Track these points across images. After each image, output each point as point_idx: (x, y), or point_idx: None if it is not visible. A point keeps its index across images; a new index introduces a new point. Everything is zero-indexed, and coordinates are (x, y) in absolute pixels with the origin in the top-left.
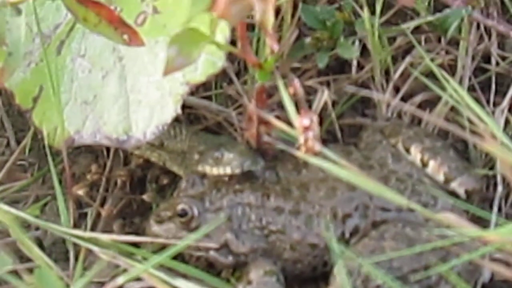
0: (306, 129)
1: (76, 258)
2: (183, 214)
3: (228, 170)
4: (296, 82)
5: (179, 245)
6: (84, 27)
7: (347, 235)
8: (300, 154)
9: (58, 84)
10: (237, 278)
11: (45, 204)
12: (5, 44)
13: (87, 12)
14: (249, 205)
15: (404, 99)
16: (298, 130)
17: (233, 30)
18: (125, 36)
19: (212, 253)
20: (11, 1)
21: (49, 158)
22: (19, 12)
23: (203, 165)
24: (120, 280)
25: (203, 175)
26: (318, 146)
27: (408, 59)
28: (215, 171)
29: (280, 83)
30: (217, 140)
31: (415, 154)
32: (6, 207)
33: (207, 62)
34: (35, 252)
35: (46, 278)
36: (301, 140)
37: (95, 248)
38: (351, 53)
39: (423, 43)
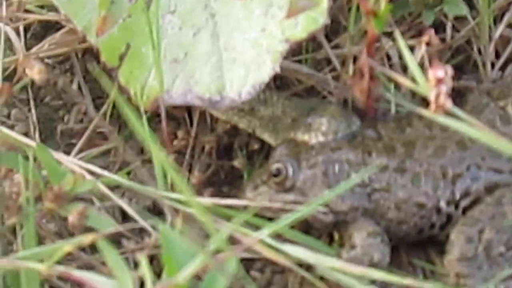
0: (439, 82)
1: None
2: (277, 173)
3: (321, 137)
4: (430, 30)
5: (297, 213)
6: None
7: (457, 196)
8: (429, 112)
9: (152, 41)
10: (339, 244)
11: (128, 173)
12: None
13: None
14: (348, 162)
15: (504, 65)
16: (429, 83)
17: None
18: None
19: (305, 208)
20: None
21: (144, 118)
22: None
23: (296, 132)
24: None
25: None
26: (449, 103)
27: (507, 16)
28: (307, 138)
29: (398, 33)
30: (309, 104)
31: None
32: (99, 170)
33: (308, 18)
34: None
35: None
36: (432, 95)
37: (195, 212)
38: (460, 9)
39: None
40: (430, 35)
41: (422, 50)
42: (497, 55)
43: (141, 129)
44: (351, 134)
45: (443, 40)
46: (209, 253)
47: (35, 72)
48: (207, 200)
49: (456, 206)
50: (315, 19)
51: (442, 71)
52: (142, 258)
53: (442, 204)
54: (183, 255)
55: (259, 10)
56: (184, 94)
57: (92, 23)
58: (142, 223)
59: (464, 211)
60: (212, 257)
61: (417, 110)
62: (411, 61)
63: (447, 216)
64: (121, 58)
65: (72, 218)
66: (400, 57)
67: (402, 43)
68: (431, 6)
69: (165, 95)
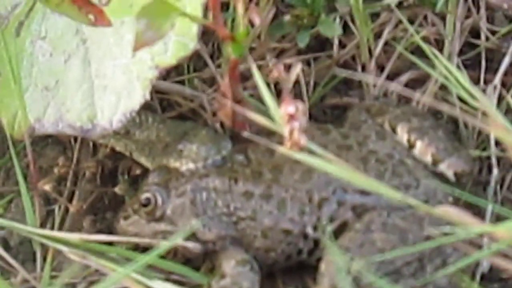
0: (291, 118)
1: (44, 259)
2: (146, 203)
3: (191, 165)
4: (279, 65)
5: (164, 245)
6: (45, 6)
7: (323, 221)
8: (283, 149)
9: (17, 69)
10: (210, 271)
11: (10, 201)
12: None
13: None
14: (215, 190)
15: (389, 78)
16: (281, 120)
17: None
18: (90, 16)
19: (179, 240)
20: None
21: (12, 151)
22: None
23: (168, 158)
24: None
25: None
26: (304, 140)
27: (388, 30)
28: (178, 164)
29: (253, 66)
30: (183, 128)
31: (402, 134)
32: None
33: (178, 44)
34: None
35: None
36: (286, 131)
37: (64, 248)
38: (334, 31)
39: (405, 21)
40: (278, 70)
41: (297, 69)
42: (383, 70)
43: (14, 160)
44: (221, 159)
45: (329, 56)
46: None
47: None
48: (76, 236)
49: (323, 231)
50: (185, 44)
51: (293, 107)
52: None
53: (309, 230)
54: None
55: (129, 36)
56: (55, 123)
57: None
58: (11, 261)
59: (331, 236)
60: None
61: (273, 146)
62: (267, 97)
63: (314, 241)
64: None
65: None
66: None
67: (257, 76)
68: (306, 27)
69: (36, 124)
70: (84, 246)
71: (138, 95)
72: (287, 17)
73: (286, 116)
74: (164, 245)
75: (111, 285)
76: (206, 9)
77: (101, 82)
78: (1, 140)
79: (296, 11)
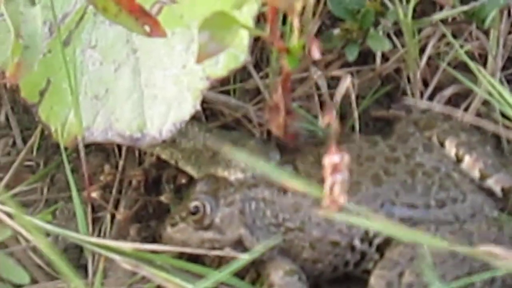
0: (335, 169)
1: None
2: (195, 211)
3: (239, 174)
4: (331, 110)
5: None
6: (104, 17)
7: (371, 234)
8: (320, 211)
9: (70, 77)
10: (259, 283)
11: (55, 208)
12: (21, 37)
13: (106, 1)
14: (264, 200)
15: (433, 92)
16: (325, 171)
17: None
18: (146, 27)
19: (227, 250)
20: None
21: (64, 157)
22: (33, 2)
23: (216, 167)
24: None
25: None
26: (344, 199)
27: (432, 43)
28: (227, 174)
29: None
30: (230, 138)
31: (450, 148)
32: (22, 214)
33: (229, 56)
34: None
35: None
36: (327, 186)
37: (116, 257)
38: (383, 45)
39: (450, 36)
40: (330, 115)
41: (347, 82)
42: (426, 84)
43: (66, 167)
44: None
45: (372, 69)
46: None
47: None
48: (128, 245)
49: (370, 244)
50: (236, 56)
51: (339, 157)
52: None
53: (356, 242)
54: None
55: (180, 46)
56: (105, 131)
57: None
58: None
59: (378, 248)
60: None
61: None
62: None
63: (361, 253)
64: (42, 93)
65: None
66: (329, 86)
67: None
68: (355, 40)
69: (86, 132)
70: (135, 254)
71: (189, 106)
72: (336, 31)
73: (329, 167)
74: (236, 263)
75: None
76: (258, 21)
77: (151, 91)
78: (45, 147)
79: (345, 25)
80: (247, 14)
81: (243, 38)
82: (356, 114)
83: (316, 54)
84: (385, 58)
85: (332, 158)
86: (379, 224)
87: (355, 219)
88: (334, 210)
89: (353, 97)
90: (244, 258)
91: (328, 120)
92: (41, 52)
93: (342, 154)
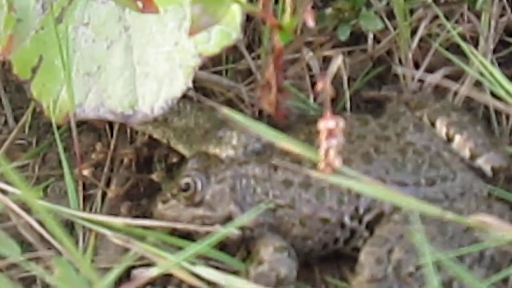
0: (330, 134)
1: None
2: (186, 188)
3: (231, 151)
4: (324, 75)
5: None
6: None
7: (361, 211)
8: (316, 173)
9: (62, 54)
10: (248, 259)
11: (47, 186)
12: (14, 10)
13: None
14: (254, 177)
15: (424, 74)
16: (320, 133)
17: None
18: (139, 3)
19: (217, 227)
20: None
21: (56, 135)
22: None
23: (207, 145)
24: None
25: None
26: (339, 162)
27: (423, 26)
28: (218, 151)
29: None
30: (221, 116)
31: (441, 128)
32: (11, 189)
33: (221, 33)
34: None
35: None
36: (322, 149)
37: (107, 232)
38: (375, 24)
39: (442, 17)
40: (324, 82)
41: (338, 61)
42: (417, 66)
43: (59, 144)
44: (261, 147)
45: (364, 50)
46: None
47: None
48: (119, 221)
49: (360, 221)
50: (228, 34)
51: (334, 122)
52: None
53: (346, 219)
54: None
55: (172, 24)
56: (96, 108)
57: (3, 37)
58: (42, 252)
59: (368, 226)
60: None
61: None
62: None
63: (351, 231)
64: (34, 70)
65: None
66: (321, 68)
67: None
68: (347, 20)
69: (77, 109)
70: (126, 230)
71: (181, 83)
72: (328, 10)
73: (324, 132)
74: (218, 233)
75: (162, 271)
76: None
77: (143, 69)
78: (36, 126)
79: (338, 4)
80: None
81: (236, 16)
82: (347, 95)
83: (310, 23)
84: (376, 40)
85: (327, 123)
86: (371, 188)
87: (348, 182)
88: (329, 173)
89: (344, 77)
90: (234, 235)
91: (322, 86)
92: (33, 26)
93: (337, 119)
